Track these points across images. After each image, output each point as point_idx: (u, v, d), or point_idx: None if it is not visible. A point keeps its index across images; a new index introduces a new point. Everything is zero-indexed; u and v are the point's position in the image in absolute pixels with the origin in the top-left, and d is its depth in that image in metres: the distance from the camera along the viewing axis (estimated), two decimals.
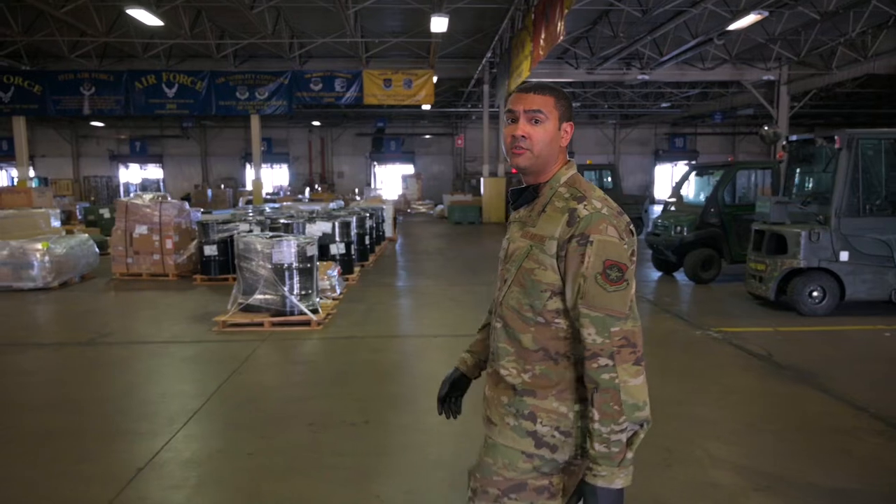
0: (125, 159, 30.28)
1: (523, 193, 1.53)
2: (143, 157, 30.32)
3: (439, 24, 12.68)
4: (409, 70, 17.73)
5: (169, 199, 9.86)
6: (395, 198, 25.85)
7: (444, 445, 3.48)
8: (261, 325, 6.14)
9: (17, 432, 3.75)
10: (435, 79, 17.83)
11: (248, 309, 6.30)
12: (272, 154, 31.54)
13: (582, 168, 16.00)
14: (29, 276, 8.35)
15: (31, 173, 27.57)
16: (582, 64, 18.45)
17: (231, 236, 8.76)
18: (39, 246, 8.39)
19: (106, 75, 16.76)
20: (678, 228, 8.29)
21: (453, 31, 15.12)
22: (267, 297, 6.22)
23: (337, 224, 8.66)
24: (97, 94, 16.73)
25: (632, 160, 34.37)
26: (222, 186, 27.46)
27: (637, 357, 1.35)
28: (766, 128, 19.23)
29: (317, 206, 13.42)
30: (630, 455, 1.35)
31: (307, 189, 26.25)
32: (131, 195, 10.04)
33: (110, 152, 30.01)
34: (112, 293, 8.40)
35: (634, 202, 15.56)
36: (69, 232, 12.75)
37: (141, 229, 9.24)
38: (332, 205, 14.09)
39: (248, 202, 19.48)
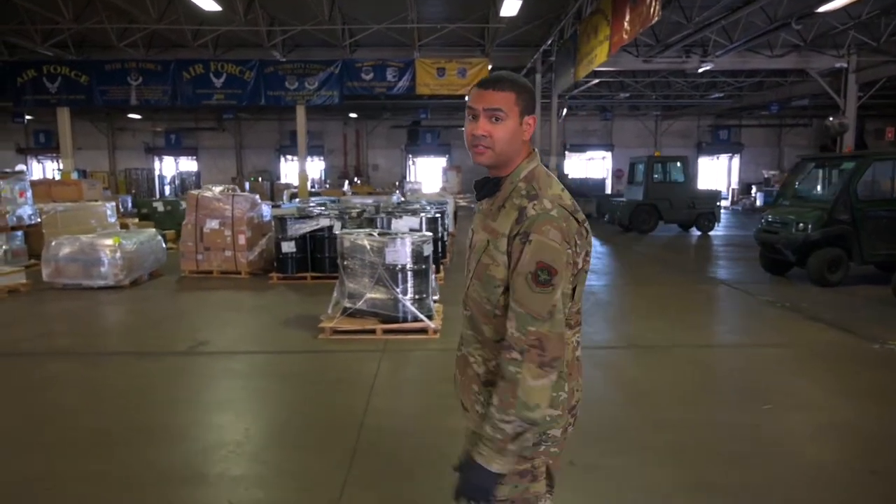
0: (160, 152, 30.04)
1: (485, 186, 1.54)
2: (178, 150, 30.07)
3: (511, 7, 11.97)
4: (464, 58, 17.06)
5: (238, 191, 9.32)
6: (437, 191, 25.23)
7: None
8: (372, 332, 5.55)
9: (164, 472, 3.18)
10: (489, 67, 17.11)
11: (353, 314, 5.72)
12: (307, 147, 31.05)
13: (651, 160, 15.23)
14: (99, 274, 7.87)
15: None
16: (642, 52, 17.59)
17: (311, 232, 8.22)
18: (110, 242, 7.90)
19: (153, 65, 16.31)
20: (800, 225, 7.54)
21: (511, 18, 14.40)
22: (376, 301, 5.63)
23: (424, 219, 8.05)
24: (144, 84, 16.29)
25: (673, 153, 33.34)
26: (259, 179, 27.05)
27: (542, 361, 1.36)
28: (831, 118, 18.21)
29: (367, 200, 12.84)
30: (512, 447, 1.40)
31: (346, 182, 25.71)
32: (199, 190, 9.50)
33: (146, 145, 29.78)
34: (189, 293, 7.89)
35: (708, 197, 14.77)
36: (124, 226, 12.33)
37: (212, 224, 8.72)
38: (393, 198, 13.49)
39: (293, 196, 18.99)
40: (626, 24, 10.85)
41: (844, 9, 13.49)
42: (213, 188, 9.21)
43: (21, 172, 15.23)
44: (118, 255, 7.88)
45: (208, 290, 8.01)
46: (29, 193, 11.04)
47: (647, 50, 17.44)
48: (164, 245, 9.03)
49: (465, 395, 1.59)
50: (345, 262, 5.85)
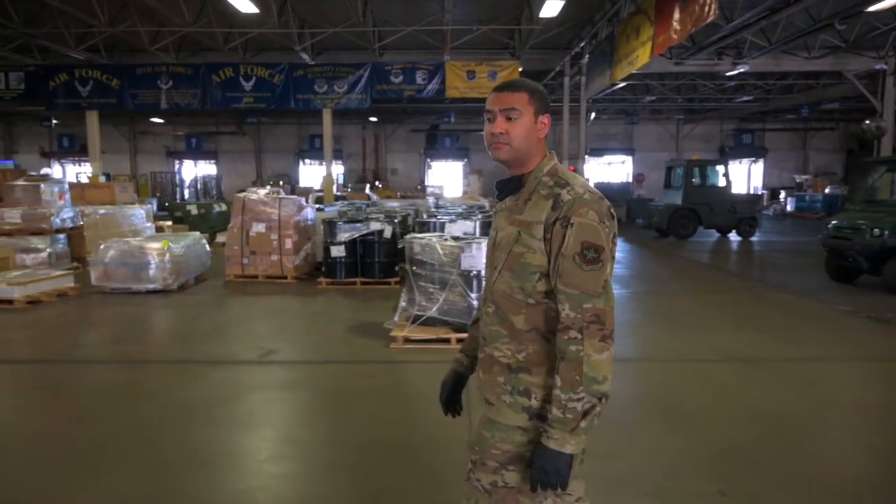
0: (181, 156, 30.05)
1: (508, 184, 1.62)
2: (198, 154, 30.06)
3: (552, 7, 11.76)
4: (494, 61, 16.87)
5: (282, 193, 9.14)
6: (459, 195, 25.00)
7: None
8: (446, 341, 5.32)
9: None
10: (520, 70, 16.90)
11: (424, 322, 5.49)
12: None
13: (691, 163, 14.94)
14: (148, 278, 7.71)
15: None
16: (674, 53, 17.31)
17: (362, 236, 8.01)
18: (159, 245, 7.73)
19: (183, 69, 16.23)
20: (875, 231, 7.24)
21: (548, 20, 14.19)
22: (449, 308, 5.40)
23: (478, 224, 7.83)
24: (174, 87, 16.22)
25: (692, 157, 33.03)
26: (281, 183, 26.96)
27: (604, 334, 1.43)
28: (867, 122, 17.82)
29: (393, 203, 12.63)
30: (584, 424, 1.42)
31: (367, 186, 25.55)
32: (246, 192, 9.32)
33: (167, 149, 29.81)
34: (240, 298, 7.70)
35: (749, 201, 14.46)
36: (159, 229, 12.21)
37: (258, 227, 8.55)
38: (429, 201, 13.28)
39: (318, 199, 18.83)
40: (674, 23, 10.60)
41: (888, 9, 13.21)
42: (258, 191, 9.04)
43: (46, 176, 15.19)
44: (167, 258, 7.72)
45: (258, 295, 7.83)
46: (68, 196, 10.95)
47: (679, 52, 17.17)
48: (207, 248, 8.86)
49: (489, 389, 1.60)
50: (413, 268, 5.64)
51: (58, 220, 9.02)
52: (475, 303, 5.33)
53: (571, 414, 1.41)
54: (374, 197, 19.12)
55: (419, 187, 27.32)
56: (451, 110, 26.53)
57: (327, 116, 17.54)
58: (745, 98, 25.15)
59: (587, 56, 17.08)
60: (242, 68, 16.26)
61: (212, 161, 30.38)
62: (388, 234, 8.08)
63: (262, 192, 8.92)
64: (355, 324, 6.21)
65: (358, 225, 8.09)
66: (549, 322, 1.50)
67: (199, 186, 24.83)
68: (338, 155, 31.10)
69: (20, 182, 10.83)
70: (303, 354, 5.24)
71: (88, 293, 7.75)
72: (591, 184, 1.57)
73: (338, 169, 31.25)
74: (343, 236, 8.05)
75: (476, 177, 26.79)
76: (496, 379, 1.58)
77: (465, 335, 5.16)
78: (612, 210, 1.51)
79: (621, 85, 20.92)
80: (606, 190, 22.78)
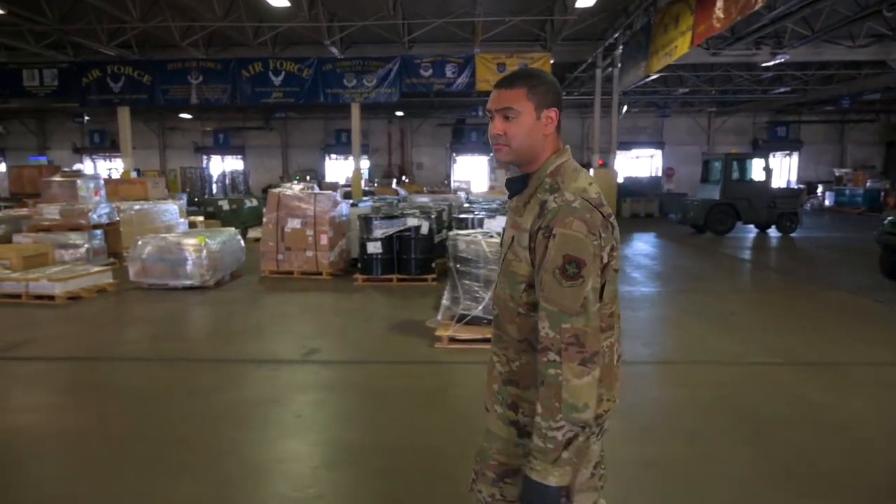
0: (209, 151, 30.32)
1: (515, 184, 1.53)
2: (225, 149, 30.30)
3: None
4: (525, 53, 16.58)
5: (316, 189, 9.05)
6: (485, 189, 24.77)
7: None
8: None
9: None
10: (551, 62, 16.59)
11: (469, 321, 5.33)
12: (350, 145, 30.99)
13: (729, 157, 14.52)
14: (185, 274, 7.68)
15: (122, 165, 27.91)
16: (711, 43, 16.81)
17: (398, 232, 7.88)
18: (195, 241, 7.69)
19: (213, 64, 16.28)
20: None
21: (583, 10, 13.85)
22: None
23: None
24: (204, 83, 16.28)
25: (726, 151, 32.29)
26: (308, 178, 27.03)
27: (583, 357, 1.31)
28: None
29: (423, 199, 12.44)
30: (566, 455, 1.32)
31: (394, 181, 25.46)
32: (281, 188, 9.25)
33: (195, 144, 30.09)
34: (278, 295, 7.62)
35: (790, 196, 13.99)
36: (192, 225, 12.24)
37: (294, 223, 8.46)
38: (461, 196, 13.11)
39: (347, 195, 18.77)
40: (717, 11, 10.23)
41: None
42: (293, 186, 8.96)
43: (79, 172, 15.38)
44: (203, 254, 7.68)
45: (295, 291, 7.75)
46: (103, 192, 11.02)
47: (716, 42, 16.66)
48: (242, 244, 8.81)
49: (487, 395, 1.57)
50: (458, 266, 5.48)
51: (95, 216, 9.06)
52: None
53: (552, 444, 1.31)
54: (403, 192, 19.01)
55: (445, 182, 27.15)
56: (479, 104, 26.25)
57: (356, 111, 17.44)
58: (782, 89, 24.42)
59: (621, 47, 16.69)
60: (272, 63, 16.24)
61: (239, 156, 30.60)
62: (424, 230, 7.93)
63: (297, 187, 8.84)
64: (396, 322, 6.08)
65: (395, 221, 7.96)
66: (538, 335, 1.39)
67: (227, 182, 25.00)
68: (363, 150, 31.03)
69: (57, 178, 10.94)
70: (346, 354, 5.12)
71: (126, 289, 7.75)
72: (621, 177, 1.44)
73: (363, 164, 31.24)
74: (380, 232, 7.92)
75: (503, 171, 26.46)
76: (492, 386, 1.54)
77: None
78: (610, 220, 1.40)
79: (654, 77, 20.48)
80: (636, 184, 22.35)
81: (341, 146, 30.76)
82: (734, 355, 5.01)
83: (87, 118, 23.74)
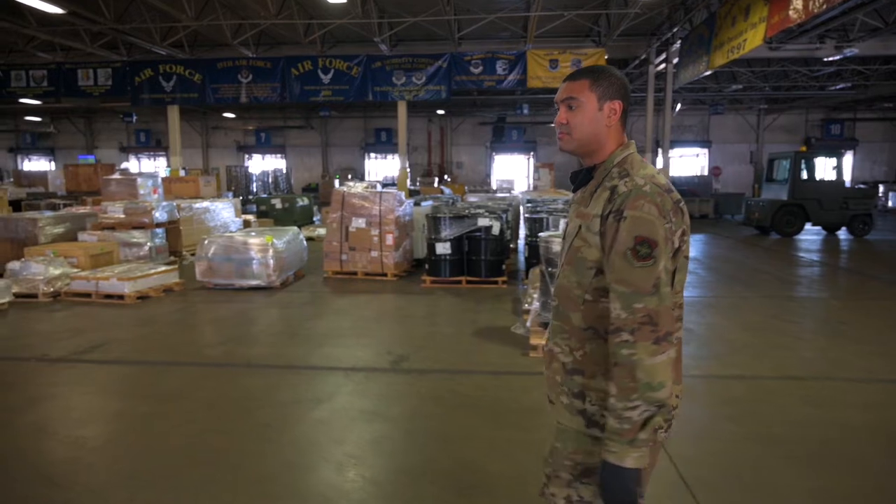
0: (251, 150, 30.58)
1: (579, 176, 1.55)
2: (267, 148, 30.52)
3: None
4: (578, 49, 16.14)
5: (379, 187, 8.81)
6: (529, 189, 24.36)
7: None
8: None
9: None
10: (606, 58, 16.10)
11: None
12: (391, 144, 30.96)
13: (799, 155, 13.85)
14: (252, 274, 7.52)
15: (166, 164, 28.30)
16: (774, 37, 16.08)
17: (469, 233, 7.58)
18: (262, 240, 7.52)
19: (263, 62, 16.26)
20: None
21: (646, 3, 13.36)
22: None
23: None
24: (253, 81, 16.27)
25: (776, 150, 31.16)
26: (350, 177, 27.03)
27: (657, 336, 1.31)
28: None
29: (472, 199, 12.10)
30: (643, 436, 1.31)
31: (437, 180, 25.21)
32: (345, 186, 9.03)
33: (237, 143, 30.38)
34: (347, 297, 7.39)
35: (863, 196, 13.26)
36: (246, 224, 12.16)
37: (358, 222, 8.24)
38: (517, 194, 12.76)
39: None
40: (795, 1, 9.66)
41: None
42: (355, 185, 8.74)
43: (126, 170, 15.49)
44: (270, 254, 7.50)
45: (362, 293, 7.51)
46: (161, 190, 11.01)
47: (778, 35, 15.94)
48: (305, 244, 8.63)
49: (551, 388, 1.55)
50: (550, 269, 5.14)
51: (158, 215, 8.98)
52: None
53: (628, 424, 1.31)
54: (448, 191, 18.73)
55: (487, 180, 26.80)
56: (520, 102, 25.82)
57: (402, 109, 17.21)
58: (841, 86, 23.38)
59: (678, 42, 16.10)
60: (321, 61, 16.13)
61: (279, 155, 30.78)
62: (496, 230, 7.62)
63: (360, 186, 8.61)
64: (479, 327, 5.78)
65: (465, 221, 7.66)
66: (606, 321, 1.41)
67: (269, 180, 25.10)
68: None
69: (116, 176, 10.97)
70: (437, 362, 4.83)
71: (192, 289, 7.63)
72: (658, 172, 1.44)
73: (397, 163, 31.11)
74: (449, 232, 7.64)
75: (547, 170, 26.00)
76: (555, 377, 1.53)
77: None
78: (681, 205, 1.41)
79: (707, 73, 19.81)
80: (688, 184, 21.66)
81: (381, 145, 30.69)
82: (865, 371, 4.56)
83: (135, 117, 24.11)
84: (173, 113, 17.27)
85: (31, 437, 3.52)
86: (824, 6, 8.99)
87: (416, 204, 9.25)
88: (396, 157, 31.70)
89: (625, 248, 1.34)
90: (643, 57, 17.87)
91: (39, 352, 5.09)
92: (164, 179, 14.92)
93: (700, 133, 30.94)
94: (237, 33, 15.53)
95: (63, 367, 4.77)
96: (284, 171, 27.60)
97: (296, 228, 8.63)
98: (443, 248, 7.69)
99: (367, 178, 29.13)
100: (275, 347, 5.27)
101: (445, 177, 27.34)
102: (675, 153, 31.76)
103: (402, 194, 8.56)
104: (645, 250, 1.32)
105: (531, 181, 27.10)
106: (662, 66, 18.02)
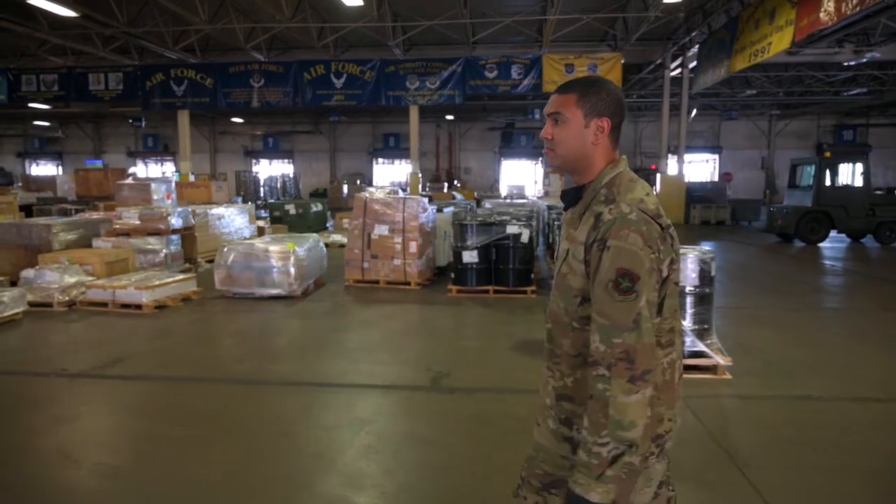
0: (258, 155, 30.44)
1: (569, 195, 1.51)
2: (274, 153, 30.38)
3: None
4: (594, 53, 15.93)
5: (401, 193, 8.56)
6: (538, 195, 24.13)
7: None
8: None
9: None
10: (622, 62, 15.88)
11: None
12: (399, 149, 30.78)
13: (824, 161, 13.57)
14: (272, 283, 7.27)
15: (173, 169, 28.15)
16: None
17: (496, 241, 7.32)
18: (283, 248, 7.27)
19: (275, 67, 16.10)
20: None
21: (670, 6, 13.13)
22: None
23: None
24: (265, 86, 16.11)
25: (788, 156, 30.88)
26: (358, 182, 26.83)
27: (633, 375, 1.28)
28: None
29: (489, 206, 11.86)
30: (610, 473, 1.29)
31: (446, 185, 24.98)
32: (367, 192, 8.78)
33: (244, 148, 30.24)
34: (372, 307, 7.13)
35: (889, 203, 12.98)
36: (260, 230, 11.93)
37: (381, 230, 7.99)
38: (535, 200, 12.51)
39: None
40: (826, 3, 9.42)
41: None
42: (376, 191, 8.50)
43: (132, 174, 15.28)
44: (291, 262, 7.25)
45: (388, 303, 7.25)
46: (174, 195, 10.79)
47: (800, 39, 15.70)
48: (325, 251, 8.38)
49: (539, 410, 1.55)
50: None
51: (173, 221, 8.75)
52: (683, 325, 4.52)
53: (596, 459, 1.29)
54: (459, 196, 18.49)
55: (495, 186, 26.57)
56: (534, 107, 25.59)
57: (414, 113, 17.01)
58: (857, 91, 23.11)
59: (696, 46, 15.89)
60: (333, 65, 15.96)
61: (287, 160, 30.63)
62: (525, 238, 7.36)
63: (382, 191, 8.36)
64: (516, 341, 5.52)
65: (493, 228, 7.40)
66: None
67: (278, 185, 24.92)
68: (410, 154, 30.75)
69: (130, 181, 10.75)
70: (480, 380, 4.56)
71: (210, 297, 7.38)
72: (647, 194, 1.41)
73: (410, 168, 30.86)
74: (477, 240, 7.38)
75: (557, 176, 25.73)
76: (544, 400, 1.53)
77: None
78: (669, 231, 1.37)
79: (724, 77, 19.58)
80: (701, 190, 21.37)
81: (389, 150, 30.51)
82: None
83: (143, 122, 23.98)
84: (183, 118, 17.10)
85: (55, 464, 3.26)
86: (857, 8, 8.75)
87: (439, 210, 8.99)
88: (404, 162, 31.61)
89: (607, 280, 1.30)
90: (658, 61, 17.65)
91: (58, 366, 4.84)
92: (176, 185, 14.74)
93: (710, 139, 30.70)
94: (249, 37, 15.36)
95: (84, 383, 4.52)
96: (292, 176, 27.42)
97: (316, 235, 8.39)
98: (470, 257, 7.43)
99: (374, 183, 28.91)
100: (304, 362, 5.01)
101: (455, 182, 27.07)
102: (684, 159, 31.52)
103: (426, 200, 8.31)
104: (626, 284, 1.29)
105: (540, 187, 26.83)
106: (678, 70, 17.81)
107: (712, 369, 4.51)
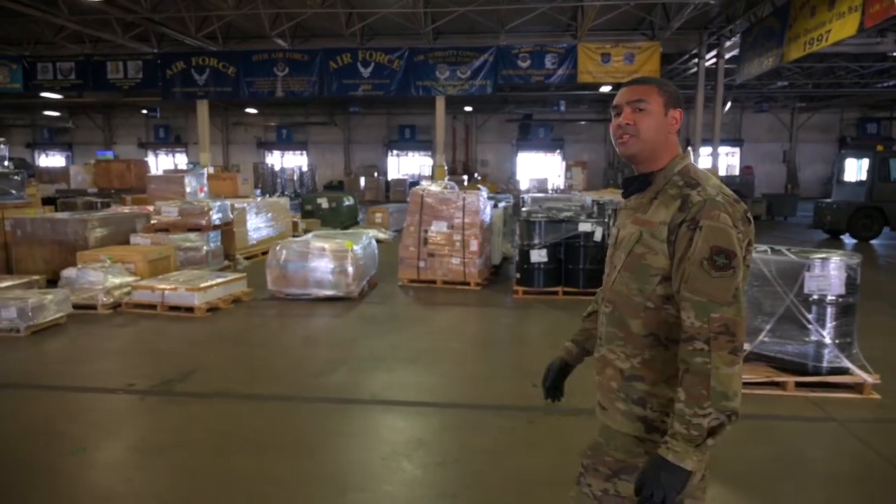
0: (271, 146, 29.90)
1: (634, 182, 1.54)
2: (288, 145, 29.84)
3: None
4: (631, 42, 15.36)
5: (455, 188, 8.08)
6: (558, 188, 23.64)
7: None
8: (777, 385, 4.09)
9: None
10: (660, 51, 15.32)
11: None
12: (415, 142, 30.28)
13: (878, 155, 13.07)
14: (329, 283, 6.81)
15: (185, 160, 27.63)
16: None
17: (567, 239, 6.86)
18: (340, 246, 6.81)
19: (300, 55, 15.51)
20: None
21: None
22: (782, 343, 4.15)
23: None
24: (290, 75, 15.52)
25: (810, 149, 30.36)
26: (376, 175, 26.34)
27: (734, 346, 1.32)
28: None
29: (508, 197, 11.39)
30: (710, 442, 1.32)
31: (466, 178, 24.46)
32: (423, 186, 8.28)
33: (257, 139, 29.70)
34: (437, 310, 6.68)
35: None
36: (294, 225, 11.45)
37: (439, 226, 7.52)
38: (586, 198, 11.98)
39: None
40: None
41: None
42: (432, 185, 8.02)
43: (163, 166, 14.74)
44: (349, 261, 6.78)
45: (453, 305, 6.80)
46: (207, 188, 10.32)
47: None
48: (376, 249, 7.91)
49: (604, 394, 1.55)
50: None
51: (214, 216, 8.28)
52: (824, 338, 4.05)
53: (697, 430, 1.30)
54: (484, 189, 18.00)
55: (512, 178, 26.06)
56: (555, 98, 25.03)
57: (441, 104, 16.43)
58: (891, 83, 22.53)
59: (737, 37, 15.32)
60: (360, 54, 15.38)
61: (300, 152, 30.10)
62: (598, 236, 6.89)
63: (438, 186, 7.89)
64: None
65: (563, 225, 6.93)
66: (669, 328, 1.42)
67: (295, 178, 24.42)
68: (426, 146, 30.17)
69: (161, 173, 10.27)
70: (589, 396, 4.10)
71: (262, 299, 6.92)
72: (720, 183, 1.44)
73: (426, 161, 30.30)
74: (547, 238, 6.91)
75: (579, 169, 25.25)
76: (609, 383, 1.53)
77: (807, 378, 3.95)
78: (748, 214, 1.42)
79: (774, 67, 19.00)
80: (729, 184, 20.75)
81: (404, 142, 29.97)
82: None
83: (154, 113, 23.45)
84: (203, 108, 16.56)
85: None
86: None
87: (494, 206, 8.52)
88: (419, 154, 31.07)
89: (700, 258, 1.34)
90: (693, 51, 17.10)
91: (123, 381, 4.37)
92: None
93: (732, 131, 30.14)
94: (274, 24, 14.80)
95: (157, 402, 4.06)
96: (307, 168, 26.90)
97: (370, 232, 7.94)
98: (538, 256, 6.96)
99: (389, 175, 28.37)
100: (394, 375, 4.56)
101: (476, 175, 26.56)
102: (704, 151, 30.97)
103: (484, 195, 7.83)
104: (723, 261, 1.33)
105: (562, 180, 26.32)
106: (713, 61, 17.26)
107: (857, 387, 4.05)
